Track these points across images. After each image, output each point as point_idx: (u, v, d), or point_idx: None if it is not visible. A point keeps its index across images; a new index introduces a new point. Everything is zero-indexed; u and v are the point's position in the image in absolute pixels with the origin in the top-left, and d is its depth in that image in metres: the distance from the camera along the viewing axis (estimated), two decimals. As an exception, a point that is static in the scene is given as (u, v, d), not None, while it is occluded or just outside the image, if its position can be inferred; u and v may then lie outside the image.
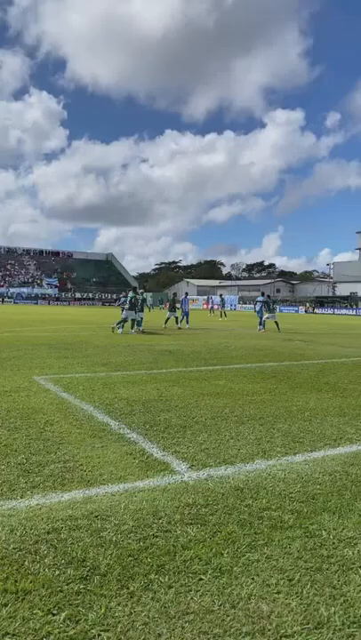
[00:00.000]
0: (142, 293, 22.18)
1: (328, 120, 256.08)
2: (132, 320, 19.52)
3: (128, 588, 2.45)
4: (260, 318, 23.07)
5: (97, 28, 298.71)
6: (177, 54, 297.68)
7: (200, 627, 2.18)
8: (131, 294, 19.99)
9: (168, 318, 23.59)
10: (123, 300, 22.74)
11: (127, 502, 3.43)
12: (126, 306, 19.96)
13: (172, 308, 23.76)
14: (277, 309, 25.43)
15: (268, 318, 22.78)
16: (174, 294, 25.59)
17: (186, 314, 24.54)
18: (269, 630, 2.17)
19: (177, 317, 23.73)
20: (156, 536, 2.97)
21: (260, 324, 22.95)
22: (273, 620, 2.23)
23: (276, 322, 22.77)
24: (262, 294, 24.55)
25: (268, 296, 25.03)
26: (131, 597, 2.38)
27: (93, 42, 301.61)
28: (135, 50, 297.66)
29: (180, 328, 22.87)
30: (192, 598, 2.38)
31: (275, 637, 2.13)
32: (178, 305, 23.97)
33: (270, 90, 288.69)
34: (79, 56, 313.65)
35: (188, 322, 24.28)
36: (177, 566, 2.65)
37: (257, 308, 23.97)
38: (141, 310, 20.18)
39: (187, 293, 27.89)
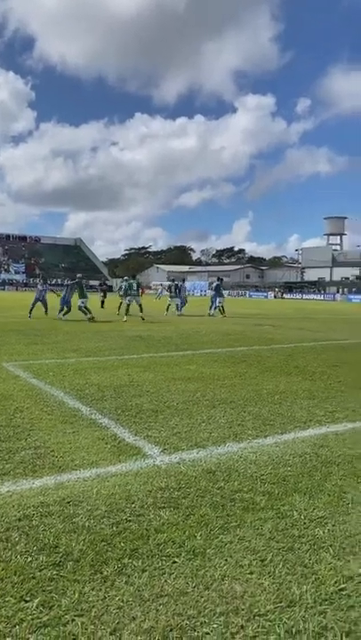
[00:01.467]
0: (126, 280, 21.73)
1: (298, 106, 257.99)
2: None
3: (102, 573, 2.44)
4: (214, 302, 23.49)
5: (66, 6, 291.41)
6: (147, 36, 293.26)
7: (174, 609, 2.19)
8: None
9: (169, 305, 23.60)
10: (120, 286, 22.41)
11: (99, 487, 3.41)
12: (121, 292, 20.52)
13: (175, 295, 23.75)
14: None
15: (220, 303, 23.16)
16: (172, 280, 25.53)
17: (182, 300, 24.50)
18: (243, 610, 2.19)
19: (177, 304, 23.69)
20: (129, 520, 2.96)
21: (212, 308, 23.42)
22: (246, 600, 2.26)
23: (222, 306, 23.16)
24: (218, 279, 24.86)
25: (221, 280, 25.37)
26: (104, 582, 2.37)
27: (62, 20, 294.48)
28: (105, 30, 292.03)
29: (179, 314, 22.84)
30: (166, 581, 2.39)
31: (248, 617, 2.15)
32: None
33: (241, 73, 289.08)
34: (47, 35, 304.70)
35: (181, 309, 24.06)
36: (150, 550, 2.65)
37: (211, 294, 24.45)
38: (137, 295, 19.65)
39: (183, 280, 27.71)
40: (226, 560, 2.58)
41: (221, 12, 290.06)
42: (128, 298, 19.45)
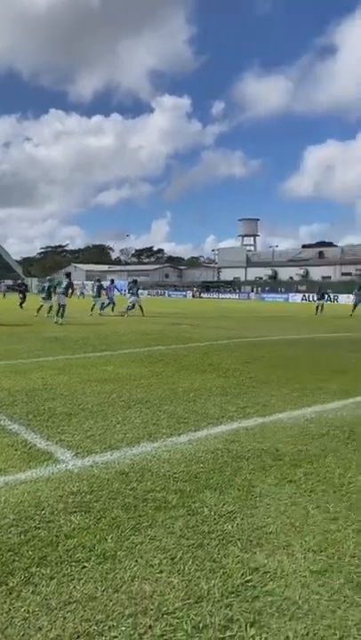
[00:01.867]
0: (50, 280, 20.83)
1: (214, 108, 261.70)
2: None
3: (7, 585, 2.35)
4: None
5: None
6: (62, 31, 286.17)
7: (82, 615, 2.16)
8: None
9: (94, 304, 23.10)
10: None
11: (7, 495, 3.29)
12: (43, 294, 20.11)
13: (96, 295, 23.35)
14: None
15: (134, 302, 23.49)
16: (98, 280, 25.17)
17: (111, 300, 24.24)
18: (152, 610, 2.20)
19: (103, 303, 23.35)
20: (39, 527, 2.89)
21: (126, 308, 23.69)
22: (155, 600, 2.27)
23: (140, 306, 23.46)
24: (132, 281, 25.56)
25: (135, 280, 25.97)
26: (10, 594, 2.29)
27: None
28: (16, 22, 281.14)
29: (100, 315, 22.38)
30: (74, 587, 2.35)
31: (156, 616, 2.16)
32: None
33: (158, 73, 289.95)
34: None
35: (103, 308, 23.66)
36: (60, 556, 2.60)
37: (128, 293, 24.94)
38: (63, 294, 18.22)
39: (113, 280, 27.50)
40: (136, 561, 2.58)
41: (137, 11, 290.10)
42: (57, 296, 18.28)
